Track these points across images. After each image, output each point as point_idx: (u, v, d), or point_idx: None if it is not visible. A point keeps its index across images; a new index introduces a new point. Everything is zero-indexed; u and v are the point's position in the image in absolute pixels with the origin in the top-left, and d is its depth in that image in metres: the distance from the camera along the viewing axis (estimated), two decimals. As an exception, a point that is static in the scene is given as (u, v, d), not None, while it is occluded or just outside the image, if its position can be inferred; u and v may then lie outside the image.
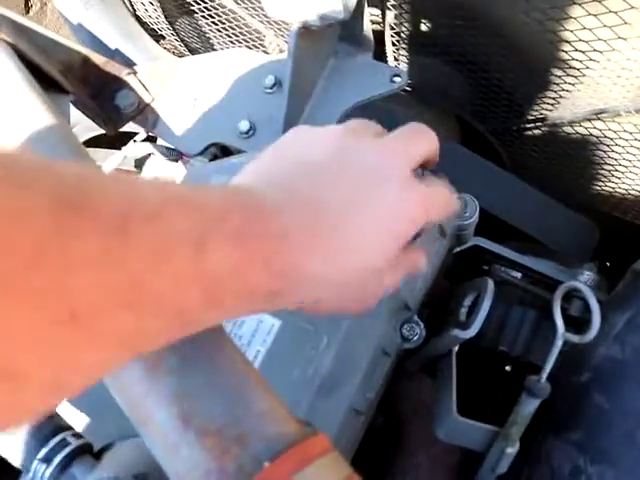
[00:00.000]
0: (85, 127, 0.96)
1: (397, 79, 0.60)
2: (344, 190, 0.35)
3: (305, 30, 0.54)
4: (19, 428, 0.24)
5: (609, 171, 0.81)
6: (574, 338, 0.49)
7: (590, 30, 0.59)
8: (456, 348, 0.58)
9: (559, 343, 0.49)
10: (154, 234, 0.25)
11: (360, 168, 0.37)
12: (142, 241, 0.24)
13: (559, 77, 0.69)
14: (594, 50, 0.62)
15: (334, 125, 0.40)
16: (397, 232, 0.37)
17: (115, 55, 0.81)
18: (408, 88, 0.82)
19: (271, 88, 0.60)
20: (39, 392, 0.22)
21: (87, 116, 0.64)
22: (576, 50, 0.64)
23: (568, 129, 0.78)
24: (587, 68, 0.65)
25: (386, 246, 0.37)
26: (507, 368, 0.69)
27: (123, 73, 0.63)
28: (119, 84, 0.63)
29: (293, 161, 0.37)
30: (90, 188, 0.24)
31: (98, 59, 0.62)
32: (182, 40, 1.06)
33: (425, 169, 0.43)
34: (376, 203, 0.36)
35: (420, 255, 0.43)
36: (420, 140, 0.41)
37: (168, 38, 1.06)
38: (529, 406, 0.50)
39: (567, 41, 0.63)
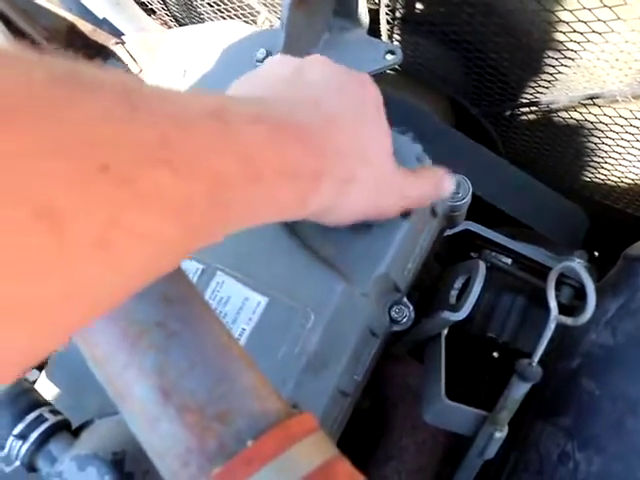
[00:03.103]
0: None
1: (391, 56, 0.58)
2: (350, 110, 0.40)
3: (299, 1, 0.53)
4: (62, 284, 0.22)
5: (602, 158, 0.80)
6: (568, 320, 0.48)
7: (589, 10, 0.58)
8: (445, 331, 0.57)
9: (552, 325, 0.48)
10: (169, 106, 0.26)
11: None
12: (160, 109, 0.25)
13: (555, 59, 0.68)
14: (592, 31, 0.61)
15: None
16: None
17: (103, 24, 0.79)
18: (399, 68, 0.81)
19: (262, 61, 0.59)
20: (84, 244, 0.21)
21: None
22: (574, 31, 0.62)
23: (563, 114, 0.77)
24: (584, 50, 0.64)
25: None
26: (495, 354, 0.69)
27: (110, 42, 0.61)
28: (106, 53, 0.61)
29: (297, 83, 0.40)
30: (92, 69, 0.24)
31: (85, 27, 0.60)
32: (173, 15, 1.04)
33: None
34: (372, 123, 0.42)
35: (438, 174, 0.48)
36: None
37: (159, 13, 1.04)
38: (519, 390, 0.49)
39: (565, 22, 0.62)
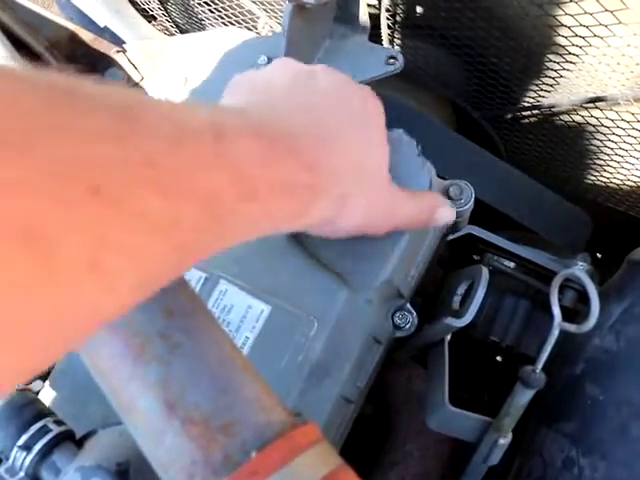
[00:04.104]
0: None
1: (393, 61, 0.58)
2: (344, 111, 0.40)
3: (300, 8, 0.53)
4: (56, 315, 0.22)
5: (605, 161, 0.80)
6: (572, 328, 0.48)
7: (591, 14, 0.58)
8: (448, 337, 0.57)
9: (556, 332, 0.48)
10: (165, 122, 0.26)
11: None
12: (154, 127, 0.25)
13: (557, 63, 0.68)
14: (594, 35, 0.61)
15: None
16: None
17: (104, 33, 0.79)
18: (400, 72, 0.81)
19: (264, 68, 0.59)
20: (73, 266, 0.21)
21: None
22: (575, 35, 0.62)
23: (564, 117, 0.77)
24: (586, 54, 0.64)
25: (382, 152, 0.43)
26: (498, 358, 0.69)
27: (112, 51, 0.62)
28: (107, 62, 0.61)
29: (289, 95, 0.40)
30: (90, 87, 0.24)
31: (86, 36, 0.60)
32: (174, 22, 1.04)
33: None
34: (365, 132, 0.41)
35: (436, 201, 0.49)
36: None
37: (159, 19, 1.04)
38: (523, 397, 0.49)
39: (566, 26, 0.62)
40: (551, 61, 0.69)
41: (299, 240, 0.50)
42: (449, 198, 0.53)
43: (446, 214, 0.49)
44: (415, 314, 0.53)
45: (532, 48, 0.68)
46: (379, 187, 0.43)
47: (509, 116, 0.82)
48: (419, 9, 0.74)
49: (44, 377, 0.51)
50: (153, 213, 0.24)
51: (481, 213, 0.66)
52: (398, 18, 0.76)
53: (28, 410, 0.40)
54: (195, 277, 0.50)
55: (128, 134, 0.23)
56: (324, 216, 0.38)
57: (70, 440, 0.40)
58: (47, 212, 0.20)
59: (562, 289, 0.60)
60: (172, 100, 0.29)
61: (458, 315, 0.51)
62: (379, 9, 0.75)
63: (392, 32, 0.78)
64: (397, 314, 0.53)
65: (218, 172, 0.27)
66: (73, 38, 0.60)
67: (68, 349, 0.24)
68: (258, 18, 0.88)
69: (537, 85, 0.74)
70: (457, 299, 0.56)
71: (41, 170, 0.20)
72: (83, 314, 0.23)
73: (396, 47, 0.80)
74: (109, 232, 0.22)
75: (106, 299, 0.23)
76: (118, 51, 0.61)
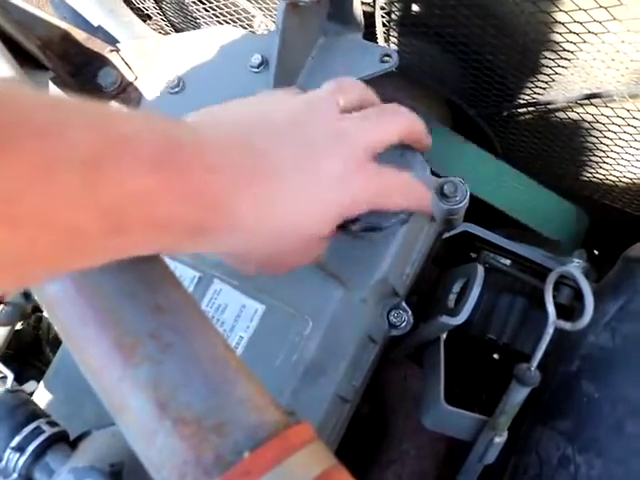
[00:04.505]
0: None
1: (387, 59, 0.58)
2: (292, 153, 0.37)
3: (293, 6, 0.53)
4: None
5: (601, 158, 0.80)
6: (566, 325, 0.48)
7: (585, 11, 0.58)
8: (444, 335, 0.56)
9: (550, 330, 0.48)
10: (37, 151, 0.24)
11: (312, 139, 0.38)
12: (22, 157, 0.24)
13: (552, 60, 0.68)
14: (588, 32, 0.60)
15: (302, 93, 0.42)
16: (331, 207, 0.38)
17: (98, 32, 0.79)
18: (396, 70, 0.80)
19: (257, 67, 0.59)
20: None
21: (67, 94, 0.62)
22: (570, 32, 0.62)
23: (560, 114, 0.76)
24: (580, 51, 0.64)
25: (318, 215, 0.38)
26: (495, 356, 0.69)
27: (105, 50, 0.61)
28: (101, 61, 0.61)
29: (249, 116, 0.38)
30: None
31: (79, 35, 0.60)
32: (169, 20, 1.04)
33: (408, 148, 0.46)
34: (319, 174, 0.37)
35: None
36: (387, 123, 0.43)
37: (154, 18, 1.04)
38: (518, 395, 0.49)
39: (561, 22, 0.62)
40: (546, 58, 0.68)
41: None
42: (443, 196, 0.53)
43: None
44: (410, 312, 0.53)
45: (527, 45, 0.68)
46: (288, 246, 0.39)
47: (505, 113, 0.82)
48: (414, 7, 0.73)
49: (38, 378, 0.50)
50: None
51: (477, 210, 0.66)
52: (393, 16, 0.76)
53: (21, 411, 0.40)
54: (189, 276, 0.50)
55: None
56: (225, 250, 0.37)
57: (64, 441, 0.40)
58: None
59: (558, 286, 0.60)
60: (65, 108, 0.27)
61: (453, 313, 0.51)
62: (374, 7, 0.75)
63: (387, 30, 0.78)
64: (392, 313, 0.53)
65: (84, 207, 0.26)
66: (66, 37, 0.59)
67: None
68: (253, 17, 0.87)
69: (532, 82, 0.74)
70: (452, 297, 0.56)
71: None
72: None
73: (391, 45, 0.80)
74: None
75: None
76: (112, 50, 0.61)
